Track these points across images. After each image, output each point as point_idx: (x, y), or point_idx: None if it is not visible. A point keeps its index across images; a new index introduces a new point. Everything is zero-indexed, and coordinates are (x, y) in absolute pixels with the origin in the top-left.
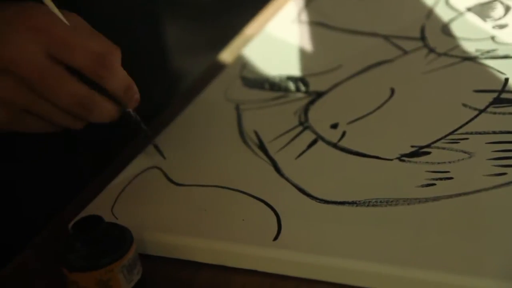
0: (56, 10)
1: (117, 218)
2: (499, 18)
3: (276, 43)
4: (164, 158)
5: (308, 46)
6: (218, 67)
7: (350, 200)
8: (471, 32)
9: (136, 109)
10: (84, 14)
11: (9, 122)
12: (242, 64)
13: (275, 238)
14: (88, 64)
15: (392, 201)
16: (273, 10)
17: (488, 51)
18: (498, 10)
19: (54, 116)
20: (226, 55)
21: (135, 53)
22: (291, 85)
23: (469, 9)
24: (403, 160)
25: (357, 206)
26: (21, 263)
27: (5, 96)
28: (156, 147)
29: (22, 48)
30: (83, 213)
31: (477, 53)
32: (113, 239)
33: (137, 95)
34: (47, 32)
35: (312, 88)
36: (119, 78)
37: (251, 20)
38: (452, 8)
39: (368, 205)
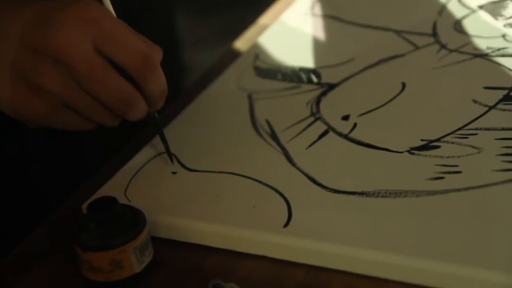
0: (109, 5)
1: (130, 201)
2: (510, 17)
3: (290, 34)
4: (172, 163)
5: (321, 38)
6: (232, 56)
7: (360, 190)
8: (483, 30)
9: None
10: None
11: (46, 115)
12: (255, 54)
13: (285, 225)
14: (134, 62)
15: (401, 193)
16: (287, 0)
17: (499, 49)
18: (510, 8)
19: (94, 111)
20: (240, 44)
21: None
22: (304, 76)
23: (481, 7)
24: (413, 153)
25: (366, 196)
26: (35, 241)
27: (49, 85)
28: (168, 150)
29: (72, 37)
30: (97, 195)
31: (488, 51)
32: (127, 221)
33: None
34: (97, 25)
35: (324, 80)
36: (160, 81)
37: (266, 10)
38: (464, 5)
39: (377, 196)
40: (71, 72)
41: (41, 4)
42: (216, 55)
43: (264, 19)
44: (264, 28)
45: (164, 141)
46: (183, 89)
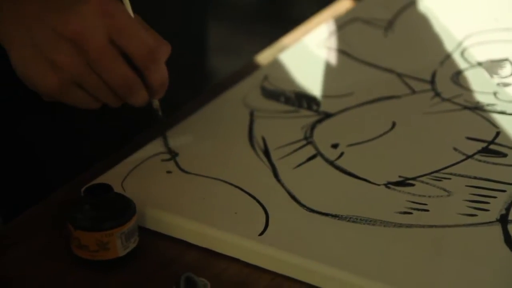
0: (128, 3)
1: (125, 190)
2: (505, 77)
3: (302, 60)
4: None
5: (328, 69)
6: (248, 71)
7: (333, 213)
8: (477, 85)
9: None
10: (136, 4)
11: (58, 90)
12: (265, 74)
13: (261, 234)
14: (140, 54)
15: (370, 221)
16: (308, 27)
17: (488, 105)
18: (506, 69)
19: (100, 92)
20: (260, 59)
21: (177, 43)
22: (304, 103)
23: (479, 64)
24: (389, 187)
25: (338, 219)
26: (35, 214)
27: (63, 62)
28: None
29: (90, 24)
30: (97, 180)
31: (478, 105)
32: (118, 208)
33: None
34: (114, 18)
35: (323, 108)
36: (161, 73)
37: (289, 32)
38: (465, 59)
39: (348, 220)
40: (85, 55)
41: None
42: (237, 66)
43: (287, 39)
44: (283, 48)
45: (162, 124)
46: (199, 92)
